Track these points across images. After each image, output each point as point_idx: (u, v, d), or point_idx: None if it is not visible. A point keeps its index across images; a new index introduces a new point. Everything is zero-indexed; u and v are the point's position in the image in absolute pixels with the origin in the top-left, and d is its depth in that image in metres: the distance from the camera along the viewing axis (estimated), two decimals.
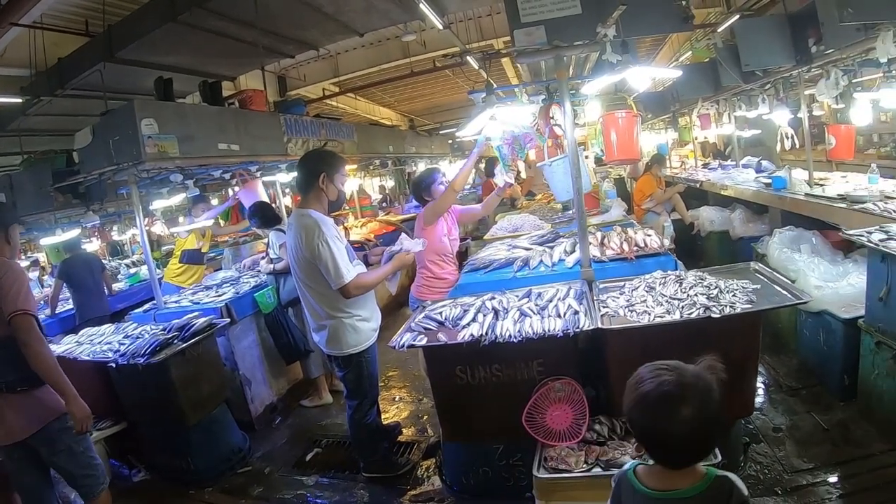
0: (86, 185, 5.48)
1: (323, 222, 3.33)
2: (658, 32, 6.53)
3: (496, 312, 3.19)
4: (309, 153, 3.89)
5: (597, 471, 2.57)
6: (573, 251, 3.96)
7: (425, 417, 4.75)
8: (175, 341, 4.01)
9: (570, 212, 5.69)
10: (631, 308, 2.92)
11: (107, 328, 4.87)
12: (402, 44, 9.75)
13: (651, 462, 1.57)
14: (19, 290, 2.81)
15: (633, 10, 3.05)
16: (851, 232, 3.68)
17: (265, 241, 5.84)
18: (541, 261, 4.00)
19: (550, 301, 3.19)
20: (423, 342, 3.07)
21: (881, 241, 3.34)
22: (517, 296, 3.39)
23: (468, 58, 8.27)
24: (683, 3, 3.35)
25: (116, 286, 7.74)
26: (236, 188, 6.69)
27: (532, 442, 2.84)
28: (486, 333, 2.93)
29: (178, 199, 5.93)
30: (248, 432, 4.75)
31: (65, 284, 6.46)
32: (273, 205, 6.70)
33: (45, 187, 5.50)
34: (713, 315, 2.66)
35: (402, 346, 3.08)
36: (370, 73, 10.89)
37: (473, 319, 3.17)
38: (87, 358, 4.21)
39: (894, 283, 3.23)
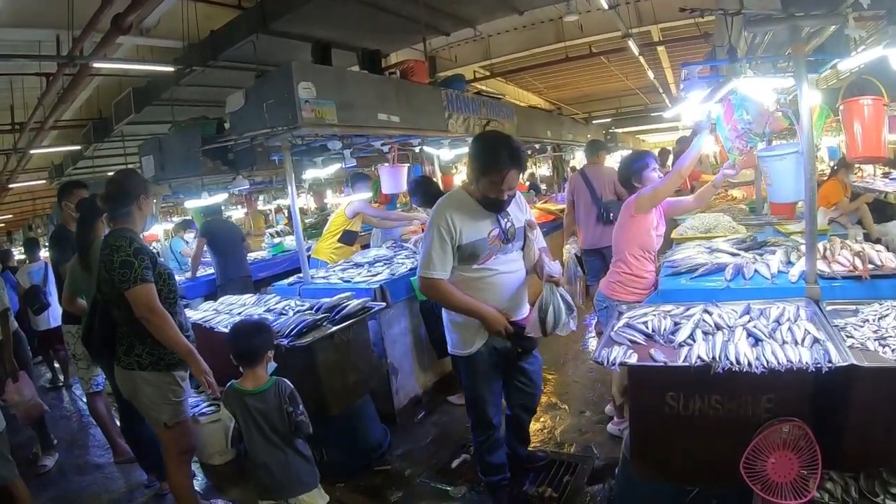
0: (235, 150, 5.35)
1: (442, 208, 2.96)
2: None
3: (715, 331, 2.56)
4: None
5: None
6: (789, 261, 3.29)
7: (588, 434, 4.14)
8: (324, 323, 3.65)
9: (768, 215, 5.00)
10: (883, 342, 2.26)
11: (248, 298, 4.67)
12: (556, 27, 9.35)
13: None
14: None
15: None
16: None
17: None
18: (756, 271, 3.28)
19: (779, 323, 2.54)
20: (634, 359, 2.45)
21: None
22: (735, 311, 2.73)
23: (629, 42, 7.69)
24: None
25: (260, 254, 7.86)
26: (385, 165, 6.33)
27: (733, 490, 2.32)
28: (719, 357, 2.28)
29: (331, 170, 5.67)
30: (388, 425, 4.37)
31: (207, 245, 6.44)
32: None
33: (193, 151, 5.37)
34: None
35: (613, 362, 2.46)
36: (522, 57, 10.59)
37: (691, 336, 2.54)
38: (224, 330, 3.95)
39: None
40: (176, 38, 7.52)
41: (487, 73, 11.66)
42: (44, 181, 14.90)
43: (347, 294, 4.10)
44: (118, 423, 4.92)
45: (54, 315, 6.45)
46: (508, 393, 3.35)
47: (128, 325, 2.93)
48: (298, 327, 3.53)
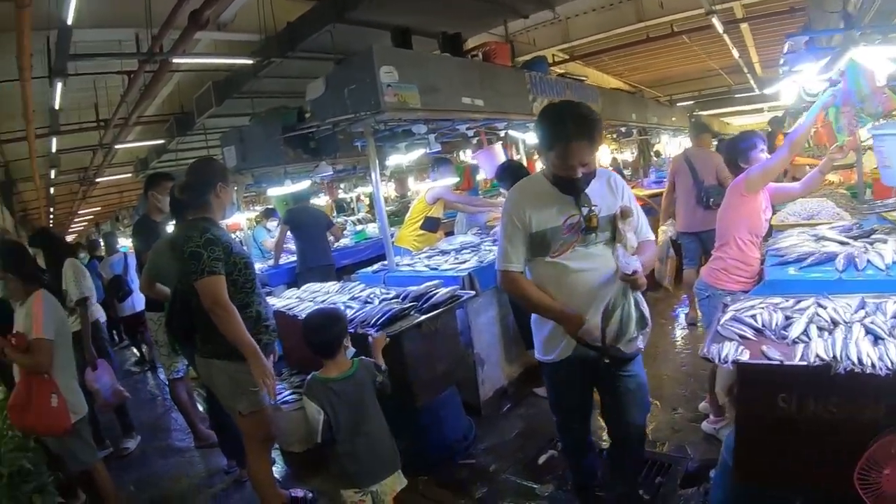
0: (317, 138, 5.33)
1: (513, 194, 2.71)
2: None
3: (832, 327, 2.30)
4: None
5: None
6: None
7: (681, 433, 3.90)
8: (412, 313, 3.54)
9: (871, 200, 4.56)
10: None
11: (331, 286, 4.63)
12: (636, 6, 8.94)
13: None
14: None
15: None
16: None
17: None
18: (868, 261, 2.97)
19: None
20: (746, 356, 2.22)
21: None
22: (850, 305, 2.45)
23: (713, 19, 7.32)
24: None
25: (342, 241, 7.89)
26: (482, 149, 6.19)
27: (841, 500, 2.06)
28: (840, 356, 2.04)
29: (415, 155, 5.57)
30: (473, 417, 4.25)
31: (290, 232, 6.54)
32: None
33: (274, 139, 5.38)
34: None
35: (725, 360, 2.23)
36: (601, 39, 10.17)
37: (804, 332, 2.29)
38: None
39: None
40: (253, 31, 7.57)
41: (566, 57, 11.33)
42: (129, 174, 15.45)
43: (435, 282, 3.99)
44: (200, 408, 5.03)
45: (137, 300, 6.83)
46: (604, 416, 3.01)
47: (205, 314, 2.91)
48: (385, 316, 3.44)
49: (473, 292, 4.05)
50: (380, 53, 4.23)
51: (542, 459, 3.75)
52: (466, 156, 7.66)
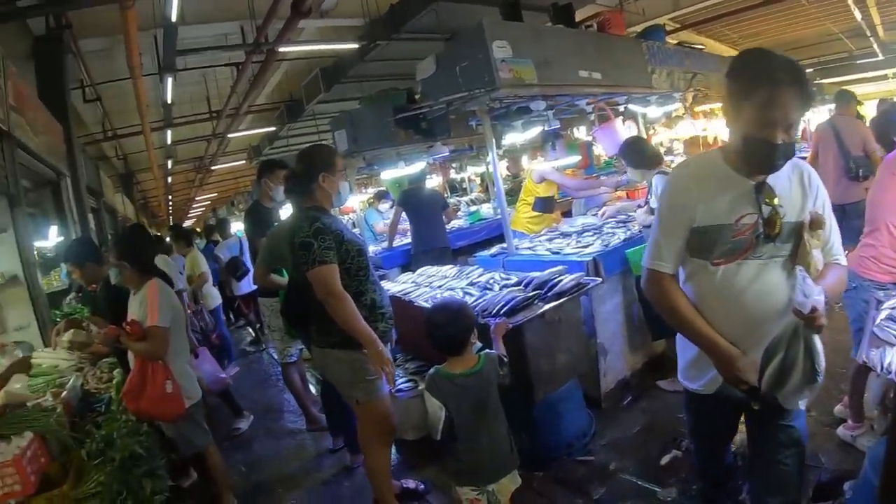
0: (430, 118, 5.20)
1: (678, 171, 2.31)
2: None
3: None
4: None
5: None
6: None
7: (813, 438, 3.30)
8: (536, 301, 3.33)
9: None
10: None
11: (448, 270, 4.51)
12: None
13: None
14: None
15: None
16: None
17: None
18: None
19: None
20: None
21: None
22: None
23: None
24: None
25: (456, 223, 7.86)
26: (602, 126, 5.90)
27: None
28: None
29: (531, 133, 5.34)
30: (593, 410, 4.02)
31: (405, 214, 6.53)
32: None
33: (385, 121, 5.30)
34: None
35: (889, 370, 1.86)
36: (715, 5, 9.72)
37: None
38: (423, 304, 3.80)
39: None
40: (356, 16, 7.65)
41: (678, 26, 10.90)
42: (243, 161, 16.15)
43: (559, 268, 3.76)
44: (313, 391, 5.07)
45: (249, 281, 7.19)
46: (750, 461, 2.39)
47: (319, 304, 2.85)
48: (509, 305, 3.24)
49: (600, 279, 3.78)
50: (491, 28, 4.02)
51: (665, 460, 3.46)
52: (581, 132, 7.29)
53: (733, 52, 13.95)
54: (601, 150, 7.77)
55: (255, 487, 4.15)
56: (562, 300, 3.37)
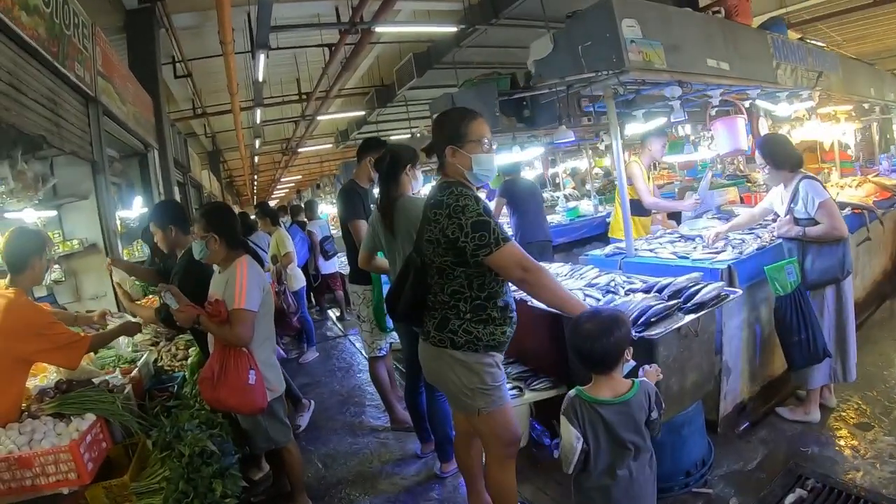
0: (532, 106, 4.85)
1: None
2: None
3: None
4: None
5: None
6: None
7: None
8: (676, 312, 2.94)
9: None
10: None
11: (560, 268, 4.16)
12: None
13: None
14: None
15: None
16: None
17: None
18: None
19: None
20: None
21: None
22: None
23: None
24: None
25: (556, 218, 7.68)
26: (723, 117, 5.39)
27: None
28: None
29: (654, 123, 4.90)
30: (709, 435, 3.56)
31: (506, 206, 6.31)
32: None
33: (489, 105, 4.97)
34: None
35: None
36: (821, 4, 9.29)
37: None
38: (538, 304, 3.40)
39: None
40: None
41: None
42: (330, 145, 16.28)
43: (695, 275, 3.35)
44: (399, 388, 4.78)
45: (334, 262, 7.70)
46: None
47: (448, 296, 2.52)
48: (646, 315, 2.85)
49: (739, 291, 3.30)
50: (620, 4, 3.65)
51: (789, 500, 3.03)
52: (686, 129, 6.76)
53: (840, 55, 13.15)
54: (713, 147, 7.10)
55: (331, 487, 3.88)
56: (702, 312, 2.96)
